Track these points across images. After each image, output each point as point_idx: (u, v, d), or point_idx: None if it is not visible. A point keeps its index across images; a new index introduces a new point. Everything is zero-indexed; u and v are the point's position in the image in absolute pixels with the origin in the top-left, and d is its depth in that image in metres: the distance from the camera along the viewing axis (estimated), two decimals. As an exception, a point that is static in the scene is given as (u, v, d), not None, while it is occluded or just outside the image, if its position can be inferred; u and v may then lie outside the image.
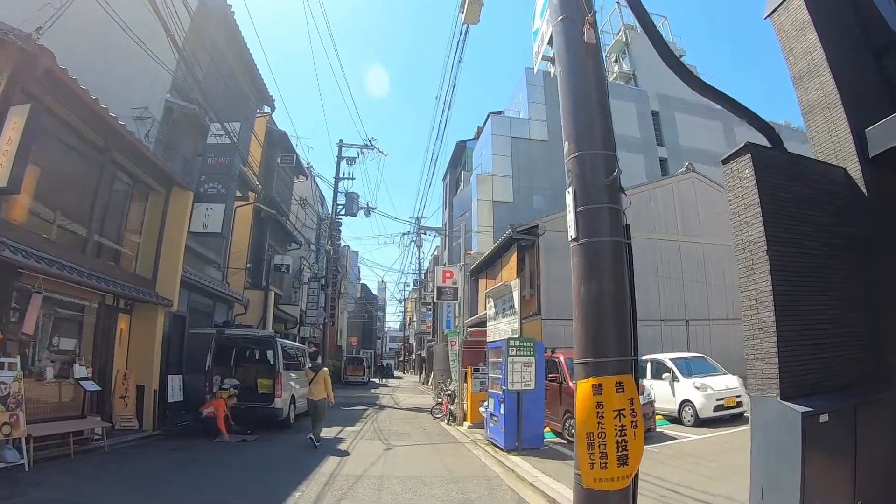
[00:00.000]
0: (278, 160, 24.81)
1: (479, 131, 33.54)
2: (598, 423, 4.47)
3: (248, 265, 20.94)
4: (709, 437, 11.81)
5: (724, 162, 5.35)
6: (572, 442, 11.53)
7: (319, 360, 14.95)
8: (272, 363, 14.50)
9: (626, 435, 4.48)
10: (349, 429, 14.61)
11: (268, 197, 22.52)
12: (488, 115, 31.03)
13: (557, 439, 12.19)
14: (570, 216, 5.06)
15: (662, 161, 33.44)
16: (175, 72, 13.90)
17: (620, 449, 4.44)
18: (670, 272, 20.41)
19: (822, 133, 5.80)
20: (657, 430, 12.46)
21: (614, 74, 37.37)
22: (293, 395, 14.76)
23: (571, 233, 5.05)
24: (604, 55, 31.69)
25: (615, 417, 4.48)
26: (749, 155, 5.04)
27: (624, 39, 37.39)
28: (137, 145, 11.48)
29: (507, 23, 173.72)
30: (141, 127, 13.09)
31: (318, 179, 33.90)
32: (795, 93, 6.26)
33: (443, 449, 11.96)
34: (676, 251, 20.88)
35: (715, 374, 14.53)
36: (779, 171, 5.19)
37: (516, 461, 9.70)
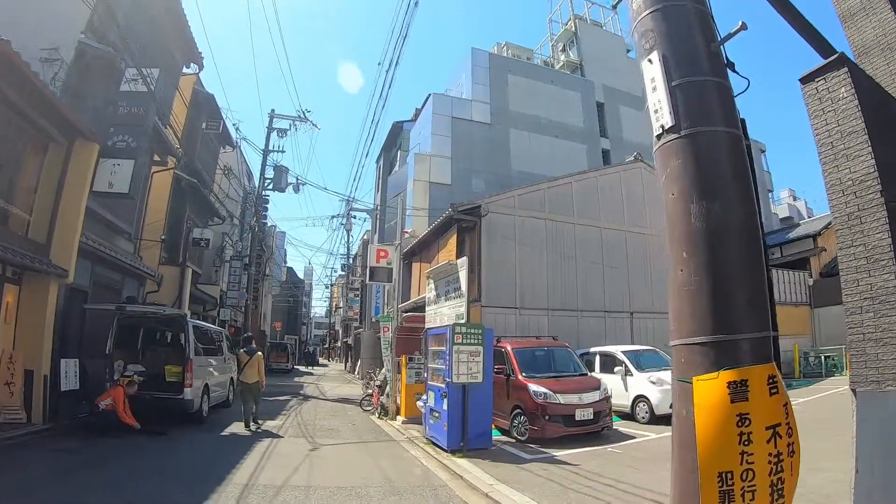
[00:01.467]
0: (203, 126, 22.86)
1: (417, 113, 32.31)
2: (743, 453, 2.88)
3: (163, 237, 18.85)
4: (667, 436, 10.80)
5: (806, 80, 4.08)
6: (522, 441, 10.38)
7: (254, 345, 13.68)
8: (183, 347, 12.47)
9: (782, 471, 2.99)
10: (270, 423, 12.82)
11: (190, 164, 20.37)
12: (429, 96, 29.79)
13: (504, 437, 11.03)
14: (660, 94, 3.82)
15: (605, 152, 33.30)
16: (93, 10, 12.16)
17: (775, 496, 2.90)
18: (616, 262, 19.89)
19: (884, 76, 4.72)
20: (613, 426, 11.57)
21: (561, 63, 36.98)
22: (207, 385, 13.01)
23: (664, 119, 3.78)
24: (550, 44, 31.21)
25: (769, 441, 2.96)
26: (846, 69, 3.82)
27: (573, 29, 36.89)
28: (38, 84, 9.83)
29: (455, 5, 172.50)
30: (48, 69, 11.52)
31: (246, 149, 32.01)
32: (844, 33, 5.19)
33: (377, 449, 10.34)
34: (622, 242, 20.39)
35: (669, 369, 13.82)
36: (872, 94, 3.99)
37: (464, 465, 8.42)
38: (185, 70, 19.87)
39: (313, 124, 27.96)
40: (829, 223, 32.11)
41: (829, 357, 24.07)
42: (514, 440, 10.67)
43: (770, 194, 44.18)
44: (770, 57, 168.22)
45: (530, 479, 7.46)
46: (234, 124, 26.50)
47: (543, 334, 15.79)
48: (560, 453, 9.32)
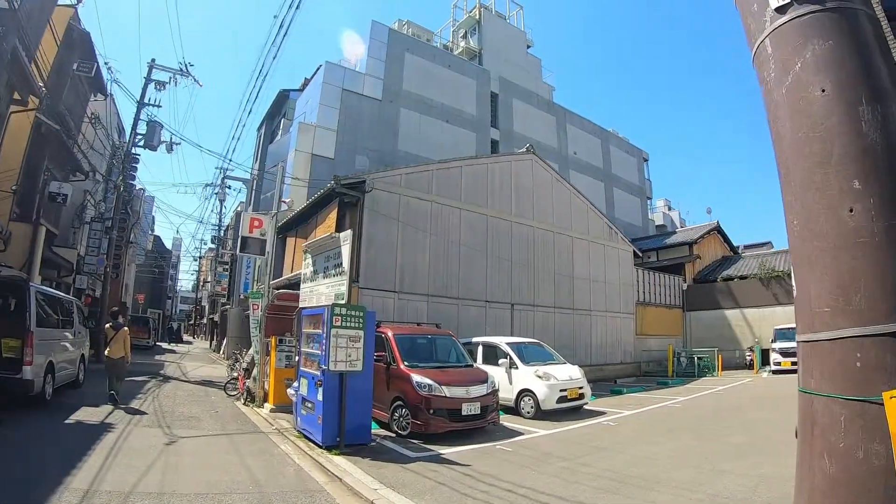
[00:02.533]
0: (74, 66, 20.48)
1: (306, 83, 30.74)
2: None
3: (15, 188, 16.52)
4: (557, 432, 10.66)
5: None
6: (404, 436, 9.50)
7: (121, 320, 12.77)
8: (24, 317, 10.62)
9: None
10: (122, 409, 11.35)
11: (54, 108, 17.94)
12: (321, 66, 28.31)
13: (384, 431, 10.26)
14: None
15: (494, 143, 33.28)
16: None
17: None
18: (500, 252, 19.60)
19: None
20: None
21: (460, 49, 36.54)
22: (52, 362, 11.39)
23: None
24: (451, 29, 30.53)
25: None
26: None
27: (477, 17, 36.47)
28: None
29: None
30: None
31: (120, 100, 29.34)
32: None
33: (242, 443, 9.15)
34: (508, 232, 20.14)
35: (554, 363, 13.76)
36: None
37: (342, 465, 7.58)
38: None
39: (195, 80, 25.90)
40: (705, 233, 34.07)
41: (701, 358, 25.44)
42: (394, 435, 9.94)
43: (649, 202, 46.18)
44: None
45: (419, 483, 6.76)
46: (106, 64, 23.86)
47: (423, 321, 15.15)
48: (447, 451, 8.70)
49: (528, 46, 38.93)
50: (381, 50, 29.23)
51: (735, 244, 39.49)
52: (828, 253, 2.55)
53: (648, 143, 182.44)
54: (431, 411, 9.58)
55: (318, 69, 28.43)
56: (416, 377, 9.97)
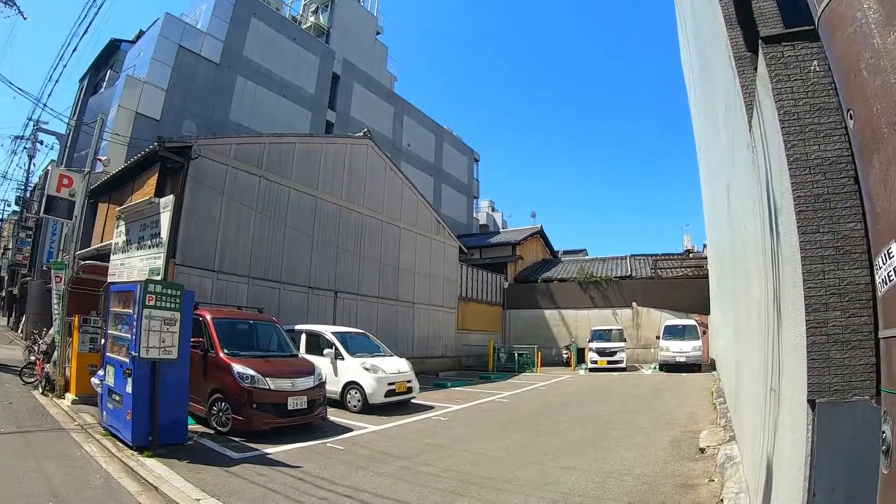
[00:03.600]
0: None
1: (141, 35, 27.90)
2: None
3: None
4: (388, 427, 10.35)
5: (770, 41, 3.19)
6: (224, 434, 8.70)
7: None
8: None
9: None
10: None
11: None
12: (159, 18, 25.70)
13: (201, 427, 9.28)
14: None
15: (329, 125, 32.46)
16: None
17: None
18: (327, 237, 19.06)
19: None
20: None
21: (309, 24, 35.11)
22: None
23: None
24: (303, 2, 29.19)
25: None
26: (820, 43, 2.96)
27: (332, -5, 35.33)
28: None
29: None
30: None
31: None
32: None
33: (40, 444, 7.69)
34: (336, 216, 19.62)
35: (382, 355, 13.48)
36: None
37: (157, 470, 6.60)
38: None
39: (20, 11, 22.34)
40: (528, 236, 35.59)
41: (521, 354, 26.73)
42: (213, 432, 9.00)
43: (475, 201, 47.51)
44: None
45: (248, 490, 6.02)
46: None
47: (244, 304, 14.12)
48: (273, 450, 7.97)
49: (378, 33, 38.52)
50: (227, 10, 27.19)
51: (555, 249, 41.75)
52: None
53: (481, 145, 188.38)
54: (254, 405, 8.77)
55: (155, 21, 25.86)
56: (238, 367, 9.05)
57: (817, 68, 3.10)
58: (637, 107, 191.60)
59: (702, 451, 8.08)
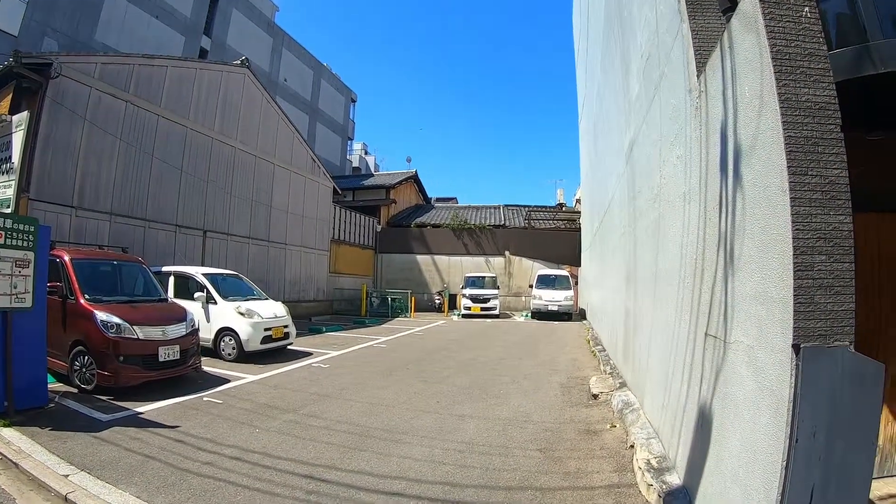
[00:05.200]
0: None
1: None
2: None
3: None
4: (267, 377, 9.67)
5: None
6: (89, 392, 7.71)
7: None
8: None
9: None
10: None
11: None
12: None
13: (63, 386, 8.14)
14: None
15: (203, 52, 30.09)
16: None
17: None
18: (197, 171, 17.59)
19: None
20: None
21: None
22: None
23: None
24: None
25: None
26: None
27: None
28: None
29: None
30: None
31: None
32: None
33: None
34: (207, 149, 18.09)
35: (256, 299, 12.75)
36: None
37: (16, 441, 5.57)
38: None
39: None
40: (402, 180, 35.18)
41: (395, 299, 26.44)
42: (77, 390, 7.94)
43: (350, 142, 46.48)
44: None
45: (122, 459, 5.20)
46: None
47: (105, 244, 12.72)
48: (146, 409, 7.09)
49: (274, 12, 36.01)
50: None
51: (429, 196, 41.72)
52: None
53: (358, 85, 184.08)
54: (121, 358, 7.80)
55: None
56: (101, 315, 7.97)
57: (808, 15, 3.09)
58: (521, 64, 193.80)
59: (595, 397, 8.22)
